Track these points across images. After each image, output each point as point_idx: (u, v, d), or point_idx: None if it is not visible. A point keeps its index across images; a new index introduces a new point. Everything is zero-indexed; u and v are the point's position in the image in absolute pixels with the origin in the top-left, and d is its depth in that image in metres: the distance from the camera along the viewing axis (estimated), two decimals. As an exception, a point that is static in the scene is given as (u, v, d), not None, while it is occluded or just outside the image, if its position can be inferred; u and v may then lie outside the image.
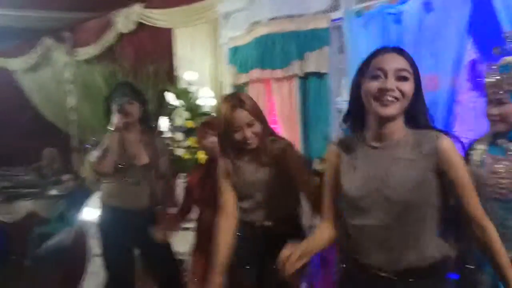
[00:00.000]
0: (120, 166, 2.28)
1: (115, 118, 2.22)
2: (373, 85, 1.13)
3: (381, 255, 1.17)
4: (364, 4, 2.75)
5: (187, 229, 3.07)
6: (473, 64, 2.26)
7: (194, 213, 2.44)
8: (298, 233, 1.70)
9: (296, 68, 2.95)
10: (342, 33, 2.90)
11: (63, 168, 5.17)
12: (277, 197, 1.69)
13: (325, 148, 2.75)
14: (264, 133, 1.69)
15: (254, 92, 3.23)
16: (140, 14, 4.42)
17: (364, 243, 1.20)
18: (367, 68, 1.16)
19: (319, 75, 2.94)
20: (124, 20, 4.54)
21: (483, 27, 2.19)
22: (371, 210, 1.17)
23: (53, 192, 4.85)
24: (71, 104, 5.33)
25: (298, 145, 3.07)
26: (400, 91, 1.11)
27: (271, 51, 3.05)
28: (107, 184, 2.39)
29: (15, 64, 5.91)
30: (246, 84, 3.31)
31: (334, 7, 2.92)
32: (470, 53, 2.36)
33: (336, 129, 3.02)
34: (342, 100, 2.95)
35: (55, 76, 5.40)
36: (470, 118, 2.49)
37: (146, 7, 4.39)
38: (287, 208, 1.75)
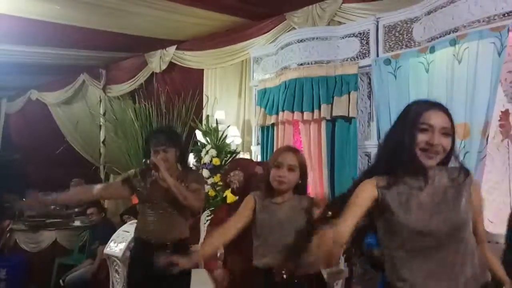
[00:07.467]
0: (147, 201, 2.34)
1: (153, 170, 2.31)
2: (421, 138, 1.23)
3: None
4: (393, 53, 2.83)
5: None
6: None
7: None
8: None
9: (324, 111, 3.02)
10: (371, 79, 2.98)
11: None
12: None
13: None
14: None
15: (281, 133, 3.29)
16: (173, 55, 4.64)
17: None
18: (414, 120, 1.25)
19: (347, 119, 2.99)
20: (158, 60, 4.77)
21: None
22: None
23: (77, 223, 4.89)
24: (101, 138, 5.53)
25: (324, 187, 3.07)
26: (442, 146, 1.24)
27: (300, 94, 3.13)
28: (139, 217, 2.46)
29: (51, 97, 6.20)
30: (273, 125, 3.37)
31: (363, 55, 3.02)
32: (501, 102, 2.38)
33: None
34: (370, 144, 2.98)
35: (88, 110, 5.62)
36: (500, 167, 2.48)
37: (179, 48, 4.61)
38: None
